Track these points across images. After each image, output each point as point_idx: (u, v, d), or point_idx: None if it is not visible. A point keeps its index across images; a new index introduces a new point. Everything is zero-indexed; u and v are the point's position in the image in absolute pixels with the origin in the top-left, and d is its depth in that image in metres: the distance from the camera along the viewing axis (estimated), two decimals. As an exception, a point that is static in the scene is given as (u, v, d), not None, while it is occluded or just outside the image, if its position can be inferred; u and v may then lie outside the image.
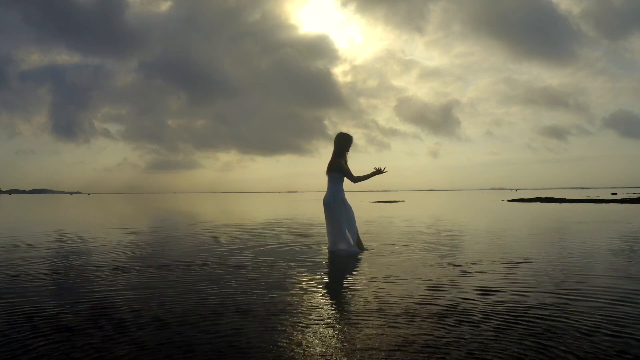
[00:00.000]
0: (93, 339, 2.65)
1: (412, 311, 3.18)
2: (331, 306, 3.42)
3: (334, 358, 2.33)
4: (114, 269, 5.02)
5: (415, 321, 2.94)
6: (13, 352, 2.46)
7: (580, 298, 3.54)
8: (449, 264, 5.16)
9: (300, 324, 2.89)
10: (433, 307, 3.29)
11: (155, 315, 3.13)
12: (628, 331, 2.73)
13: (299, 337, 2.65)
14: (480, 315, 3.06)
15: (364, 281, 4.31)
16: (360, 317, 3.05)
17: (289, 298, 3.62)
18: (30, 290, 3.96)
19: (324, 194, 6.27)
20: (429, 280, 4.27)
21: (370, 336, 2.66)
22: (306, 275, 4.57)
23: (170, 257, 5.90)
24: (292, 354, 2.40)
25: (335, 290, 4.03)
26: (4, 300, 3.60)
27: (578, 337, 2.63)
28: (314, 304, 3.42)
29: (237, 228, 10.68)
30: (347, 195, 6.23)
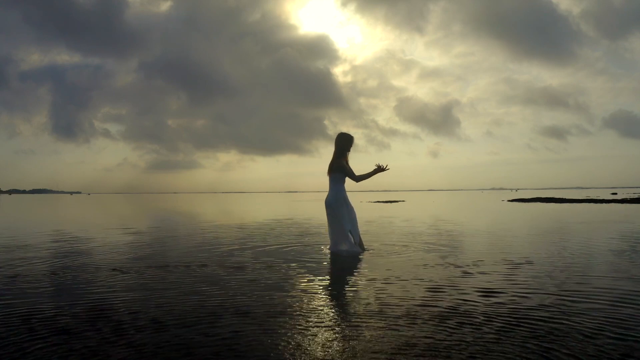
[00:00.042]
0: (91, 342, 2.62)
1: (413, 313, 3.15)
2: (331, 308, 3.39)
3: (334, 361, 2.30)
4: (113, 269, 4.99)
5: (416, 323, 2.91)
6: (10, 356, 2.43)
7: (582, 299, 3.50)
8: (450, 264, 5.13)
9: (300, 327, 2.86)
10: (434, 308, 3.26)
11: (153, 317, 3.10)
12: (632, 334, 2.70)
13: (299, 340, 2.61)
14: (482, 317, 3.03)
15: (365, 282, 4.28)
16: (360, 319, 3.02)
17: (288, 300, 3.59)
18: (28, 292, 3.93)
19: (324, 194, 6.24)
20: (430, 281, 4.24)
21: (371, 339, 2.63)
22: (306, 276, 4.54)
23: (169, 258, 5.87)
24: (292, 357, 2.37)
25: (335, 291, 3.99)
26: (1, 302, 3.57)
27: (581, 339, 2.60)
28: (314, 306, 3.39)
29: (236, 228, 10.65)
30: (348, 195, 6.21)
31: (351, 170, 6.16)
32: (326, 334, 2.71)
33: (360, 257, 5.75)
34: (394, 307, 3.32)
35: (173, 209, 25.66)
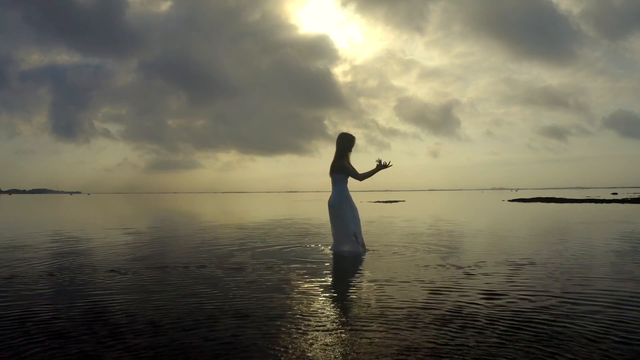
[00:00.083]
0: (87, 346, 2.58)
1: (414, 316, 3.10)
2: (332, 311, 3.34)
3: (335, 366, 2.26)
4: (111, 270, 4.94)
5: (418, 327, 2.86)
6: (3, 360, 2.38)
7: (585, 302, 3.46)
8: (452, 265, 5.09)
9: (300, 330, 2.81)
10: (436, 311, 3.21)
11: (151, 320, 3.05)
12: (637, 337, 2.65)
13: (299, 344, 2.57)
14: (485, 320, 2.98)
15: (366, 284, 4.23)
16: (361, 323, 2.97)
17: (288, 302, 3.54)
18: (24, 293, 3.88)
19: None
20: (432, 282, 4.19)
21: (373, 343, 2.58)
22: (306, 278, 4.49)
23: (168, 259, 5.82)
24: (292, 361, 2.32)
25: (335, 293, 3.94)
26: (-3, 304, 3.52)
27: (585, 343, 2.55)
28: (314, 309, 3.34)
29: (236, 228, 10.61)
30: (351, 195, 6.16)
31: (354, 169, 6.11)
32: (326, 338, 2.67)
33: (362, 257, 5.70)
34: (395, 309, 3.27)
35: (173, 209, 25.62)
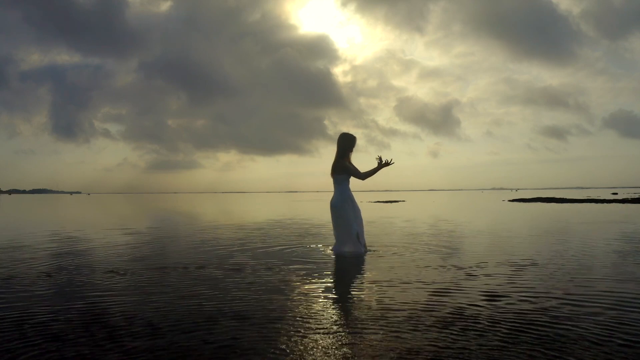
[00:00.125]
0: (84, 349, 2.55)
1: (416, 318, 3.07)
2: (332, 312, 3.31)
3: (335, 370, 2.23)
4: (110, 271, 4.91)
5: (419, 329, 2.83)
6: (0, 363, 2.35)
7: (588, 304, 3.42)
8: (453, 266, 5.06)
9: (300, 332, 2.78)
10: (438, 313, 3.18)
11: (149, 322, 3.02)
12: (641, 340, 2.62)
13: (298, 346, 2.54)
14: (487, 323, 2.95)
15: (366, 285, 4.21)
16: (362, 325, 2.94)
17: (288, 303, 3.52)
18: (21, 295, 3.85)
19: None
20: (433, 283, 4.16)
21: (373, 345, 2.55)
22: (306, 279, 4.46)
23: (167, 259, 5.79)
24: (291, 365, 2.29)
25: (336, 294, 3.91)
26: (-5, 306, 3.49)
27: (588, 346, 2.52)
28: (314, 310, 3.31)
29: (236, 229, 10.58)
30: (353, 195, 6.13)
31: (355, 169, 6.08)
32: (327, 340, 2.64)
33: (363, 258, 5.68)
34: (396, 311, 3.24)
35: (173, 209, 25.60)
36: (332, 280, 4.49)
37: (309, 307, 3.41)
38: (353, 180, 6.12)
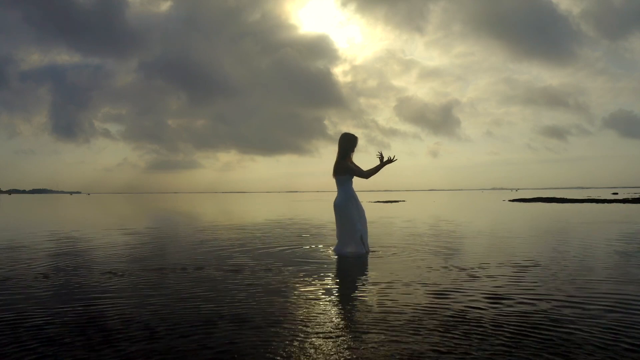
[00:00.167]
0: (80, 353, 2.50)
1: (417, 321, 3.02)
2: (332, 315, 3.26)
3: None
4: (107, 272, 4.86)
5: (421, 332, 2.78)
6: (-7, 368, 2.31)
7: (591, 306, 3.37)
8: (455, 267, 5.01)
9: (299, 336, 2.73)
10: (440, 316, 3.13)
11: (146, 325, 2.97)
12: (647, 344, 2.57)
13: (298, 350, 2.49)
14: (490, 326, 2.90)
15: (367, 287, 4.16)
16: (362, 328, 2.89)
17: (287, 305, 3.47)
18: (17, 297, 3.80)
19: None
20: (435, 285, 4.11)
21: (374, 348, 2.50)
22: (307, 280, 4.41)
23: (166, 260, 5.75)
24: (291, 370, 2.24)
25: (336, 297, 3.86)
26: (-10, 308, 3.44)
27: (593, 350, 2.47)
28: (314, 313, 3.26)
29: (236, 229, 10.53)
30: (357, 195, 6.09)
31: (358, 168, 6.03)
32: (327, 344, 2.59)
33: (364, 259, 5.63)
34: (397, 314, 3.19)
35: (172, 209, 25.55)
36: (332, 282, 4.44)
37: (309, 309, 3.36)
38: (355, 180, 6.07)
